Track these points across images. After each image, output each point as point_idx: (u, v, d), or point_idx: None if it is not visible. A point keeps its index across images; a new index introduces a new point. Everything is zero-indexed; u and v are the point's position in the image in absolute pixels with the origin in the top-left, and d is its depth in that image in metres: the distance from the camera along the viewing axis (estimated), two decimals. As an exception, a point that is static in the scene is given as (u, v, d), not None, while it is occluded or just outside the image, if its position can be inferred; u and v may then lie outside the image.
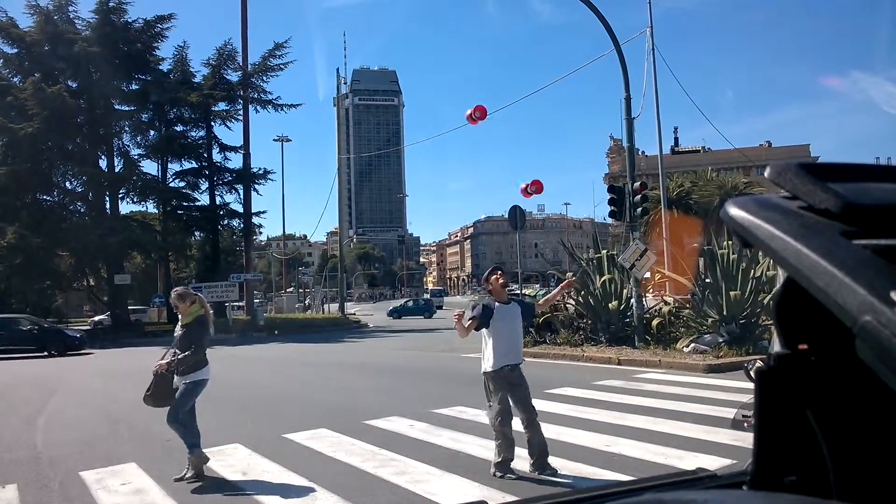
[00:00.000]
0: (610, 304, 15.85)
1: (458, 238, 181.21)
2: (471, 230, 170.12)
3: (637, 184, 16.27)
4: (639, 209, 16.18)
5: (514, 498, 4.83)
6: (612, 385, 10.57)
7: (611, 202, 16.56)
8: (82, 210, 35.56)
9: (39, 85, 30.00)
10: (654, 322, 15.09)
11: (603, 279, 16.31)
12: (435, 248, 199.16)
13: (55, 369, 18.03)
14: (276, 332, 30.88)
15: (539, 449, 5.57)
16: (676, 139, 75.84)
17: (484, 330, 5.80)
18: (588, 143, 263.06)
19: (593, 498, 1.01)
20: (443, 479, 5.56)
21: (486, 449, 6.53)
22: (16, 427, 9.02)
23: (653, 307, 16.28)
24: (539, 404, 8.93)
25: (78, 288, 39.83)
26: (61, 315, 61.91)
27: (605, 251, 17.61)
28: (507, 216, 18.64)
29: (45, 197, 34.56)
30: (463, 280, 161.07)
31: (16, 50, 33.01)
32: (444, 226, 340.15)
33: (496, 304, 5.87)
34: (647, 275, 16.25)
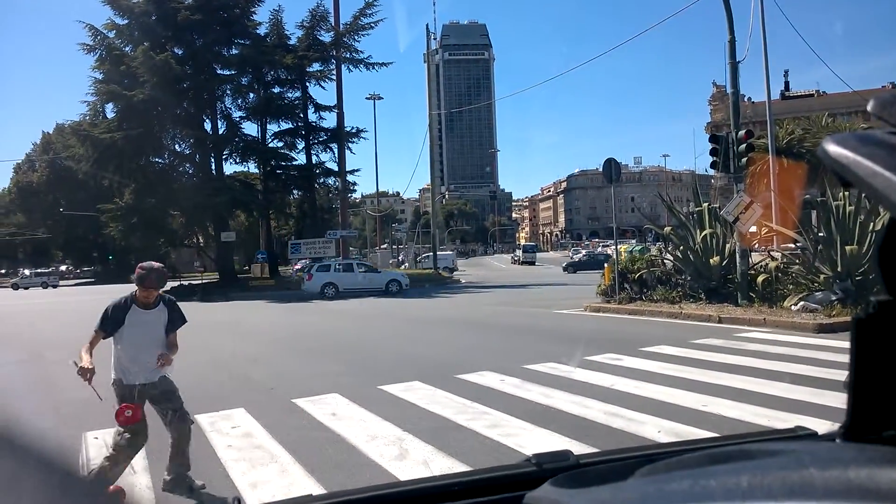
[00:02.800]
0: (711, 260, 15.21)
1: (550, 193, 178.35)
2: (564, 184, 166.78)
3: (742, 132, 15.29)
4: (743, 159, 15.21)
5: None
6: (711, 344, 10.19)
7: (713, 153, 15.67)
8: (190, 171, 37.56)
9: (148, 53, 31.54)
10: (760, 279, 14.33)
11: (704, 233, 15.63)
12: (527, 203, 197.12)
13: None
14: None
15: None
16: (787, 83, 70.51)
17: None
18: (688, 91, 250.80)
19: (678, 451, 0.96)
20: (534, 433, 5.59)
21: (578, 405, 6.51)
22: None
23: (758, 263, 15.44)
24: (634, 362, 8.84)
25: (188, 245, 42.37)
26: (175, 270, 66.54)
27: (706, 204, 16.84)
28: (601, 169, 18.08)
29: (156, 160, 36.65)
30: (556, 235, 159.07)
31: (126, 21, 34.74)
32: (537, 180, 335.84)
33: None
34: (753, 229, 15.40)
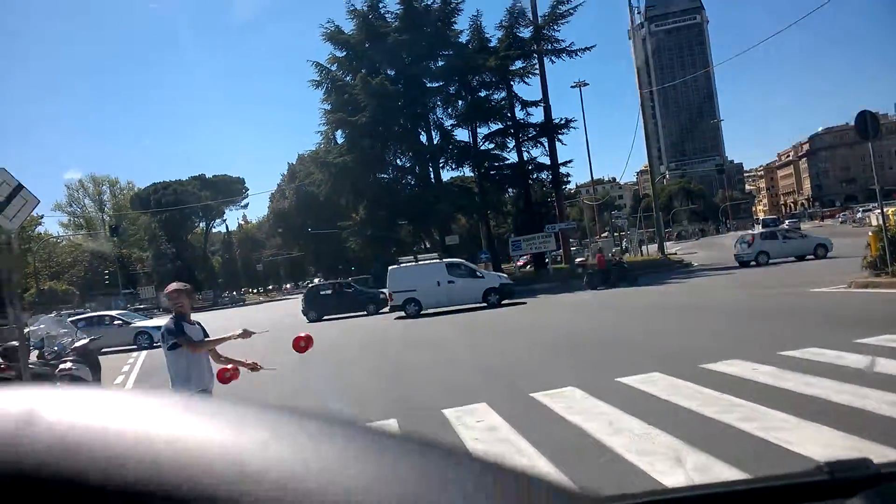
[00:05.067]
0: None
1: (790, 158, 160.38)
2: (806, 146, 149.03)
3: None
4: None
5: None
6: None
7: None
8: (412, 182, 40.04)
9: (366, 79, 34.34)
10: None
11: None
12: (763, 172, 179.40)
13: (386, 325, 20.81)
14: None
15: None
16: None
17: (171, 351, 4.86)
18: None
19: None
20: (800, 427, 4.96)
21: (851, 395, 5.69)
22: (386, 373, 10.63)
23: None
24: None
25: (417, 251, 45.29)
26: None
27: None
28: (852, 124, 15.72)
29: (381, 175, 39.65)
30: (802, 205, 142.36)
31: (344, 53, 38.23)
32: (771, 147, 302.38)
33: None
34: None
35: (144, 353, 21.72)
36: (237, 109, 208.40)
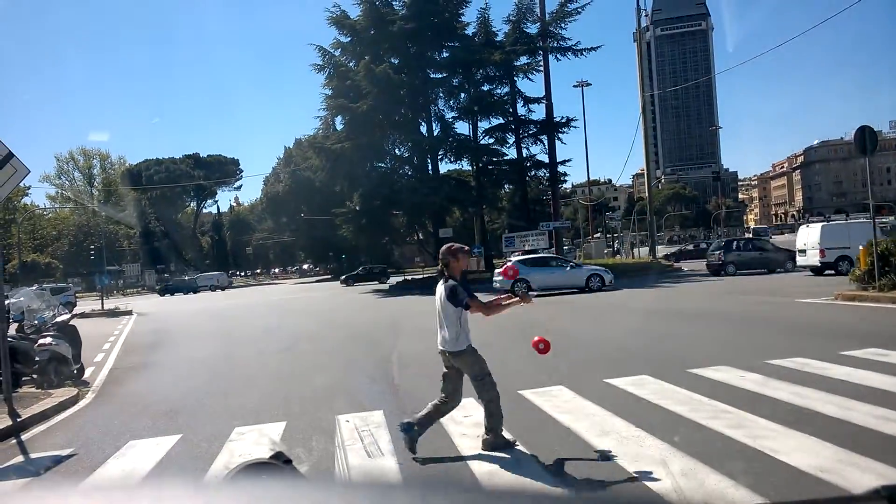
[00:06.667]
0: None
1: (784, 169, 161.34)
2: (801, 158, 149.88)
3: None
4: None
5: None
6: None
7: None
8: (409, 173, 40.01)
9: (369, 66, 34.21)
10: None
11: None
12: (756, 181, 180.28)
13: (399, 312, 20.85)
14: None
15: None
16: None
17: (461, 310, 5.45)
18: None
19: None
20: (786, 436, 5.04)
21: (838, 406, 5.77)
22: (377, 362, 10.67)
23: None
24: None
25: (410, 242, 45.29)
26: (399, 266, 71.70)
27: None
28: (848, 139, 15.86)
29: (379, 164, 39.62)
30: (792, 216, 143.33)
31: (349, 38, 38.03)
32: (767, 156, 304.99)
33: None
34: None
35: (128, 328, 21.70)
36: (236, 90, 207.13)
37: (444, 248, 5.65)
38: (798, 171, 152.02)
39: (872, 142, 14.77)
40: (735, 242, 30.62)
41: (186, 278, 59.63)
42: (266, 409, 7.41)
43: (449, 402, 5.55)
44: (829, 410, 5.69)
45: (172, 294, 52.55)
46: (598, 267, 26.54)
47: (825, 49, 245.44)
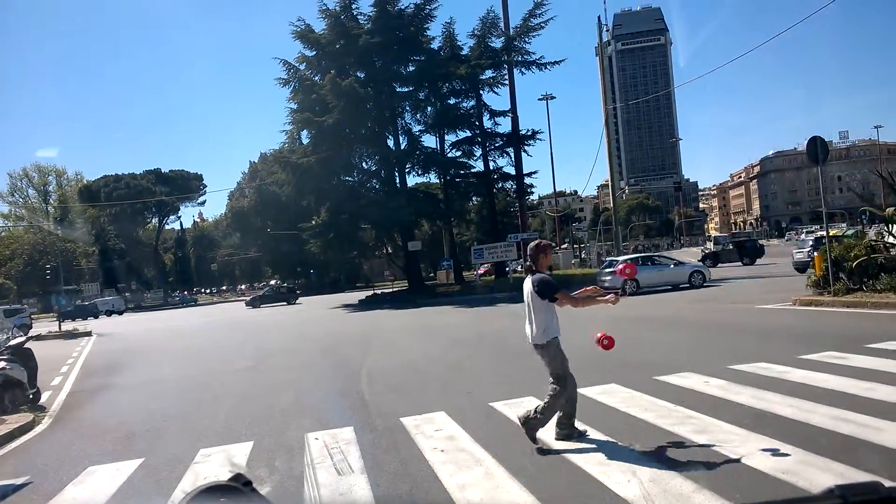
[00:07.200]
0: (950, 241, 13.12)
1: (742, 178, 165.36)
2: (757, 168, 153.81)
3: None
4: None
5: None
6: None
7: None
8: (377, 186, 39.96)
9: (335, 80, 34.16)
10: None
11: (939, 211, 13.53)
12: (716, 191, 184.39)
13: (369, 327, 20.74)
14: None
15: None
16: None
17: (548, 302, 5.74)
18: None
19: None
20: (749, 439, 5.14)
21: (797, 409, 5.92)
22: (346, 377, 10.58)
23: None
24: (861, 361, 7.85)
25: (379, 256, 45.11)
26: (367, 280, 71.36)
27: (939, 178, 14.58)
28: (801, 149, 16.38)
29: (346, 178, 39.49)
30: (750, 224, 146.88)
31: (314, 52, 37.96)
32: (726, 167, 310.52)
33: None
34: None
35: (87, 350, 21.15)
36: (199, 105, 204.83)
37: (532, 244, 6.01)
38: (755, 180, 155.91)
39: (824, 152, 15.24)
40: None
41: (87, 303, 56.15)
42: (232, 430, 7.28)
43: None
44: (789, 413, 5.83)
45: (73, 320, 44.25)
46: (698, 264, 28.22)
47: (777, 63, 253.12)
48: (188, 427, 7.80)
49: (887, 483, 0.94)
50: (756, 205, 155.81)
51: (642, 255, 29.42)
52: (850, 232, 29.89)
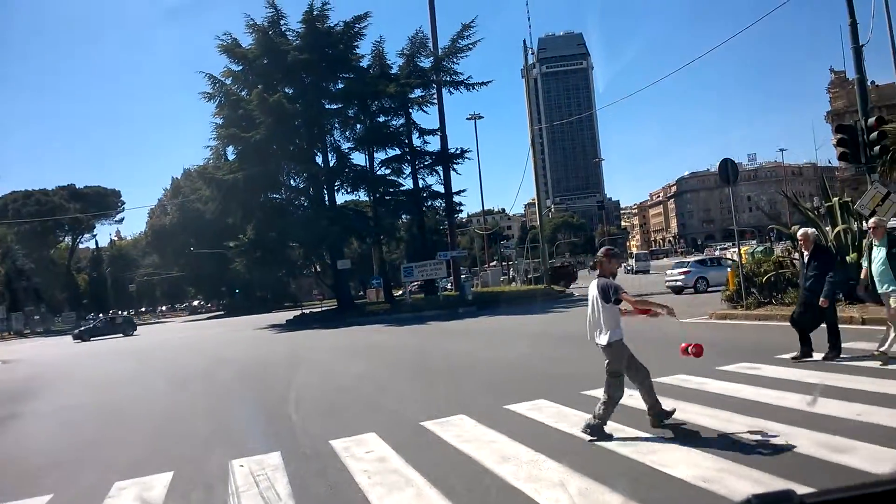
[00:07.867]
0: (847, 258, 14.06)
1: (660, 198, 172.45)
2: (674, 188, 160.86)
3: (872, 119, 14.18)
4: (876, 147, 14.09)
5: (811, 489, 4.48)
6: (858, 348, 9.38)
7: (840, 143, 14.67)
8: (306, 204, 39.35)
9: (262, 95, 33.58)
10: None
11: (837, 230, 14.54)
12: (636, 210, 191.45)
13: (297, 348, 20.32)
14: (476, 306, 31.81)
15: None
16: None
17: (612, 305, 6.25)
18: (801, 82, 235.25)
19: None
20: (672, 450, 5.32)
21: (717, 419, 6.16)
22: (273, 400, 10.30)
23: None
24: (773, 371, 8.27)
25: (307, 274, 44.31)
26: (296, 300, 69.90)
27: (836, 198, 15.66)
28: (713, 170, 17.32)
29: (274, 195, 38.71)
30: (669, 241, 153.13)
31: (241, 67, 37.22)
32: (645, 186, 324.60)
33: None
34: (894, 222, 14.15)
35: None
36: (117, 117, 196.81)
37: (601, 250, 6.54)
38: (672, 199, 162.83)
39: (734, 173, 16.12)
40: None
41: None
42: (151, 459, 6.94)
43: (643, 376, 6.25)
44: (709, 423, 6.07)
45: None
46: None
47: (692, 88, 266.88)
48: (102, 458, 7.38)
49: (800, 490, 0.99)
50: (674, 223, 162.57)
51: (714, 256, 33.50)
52: (759, 249, 31.69)
